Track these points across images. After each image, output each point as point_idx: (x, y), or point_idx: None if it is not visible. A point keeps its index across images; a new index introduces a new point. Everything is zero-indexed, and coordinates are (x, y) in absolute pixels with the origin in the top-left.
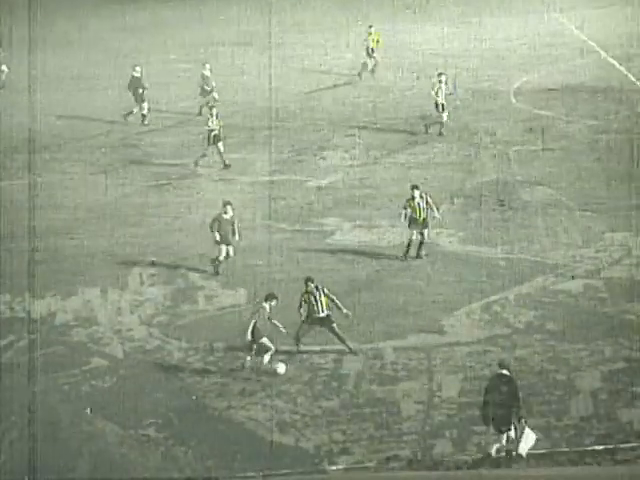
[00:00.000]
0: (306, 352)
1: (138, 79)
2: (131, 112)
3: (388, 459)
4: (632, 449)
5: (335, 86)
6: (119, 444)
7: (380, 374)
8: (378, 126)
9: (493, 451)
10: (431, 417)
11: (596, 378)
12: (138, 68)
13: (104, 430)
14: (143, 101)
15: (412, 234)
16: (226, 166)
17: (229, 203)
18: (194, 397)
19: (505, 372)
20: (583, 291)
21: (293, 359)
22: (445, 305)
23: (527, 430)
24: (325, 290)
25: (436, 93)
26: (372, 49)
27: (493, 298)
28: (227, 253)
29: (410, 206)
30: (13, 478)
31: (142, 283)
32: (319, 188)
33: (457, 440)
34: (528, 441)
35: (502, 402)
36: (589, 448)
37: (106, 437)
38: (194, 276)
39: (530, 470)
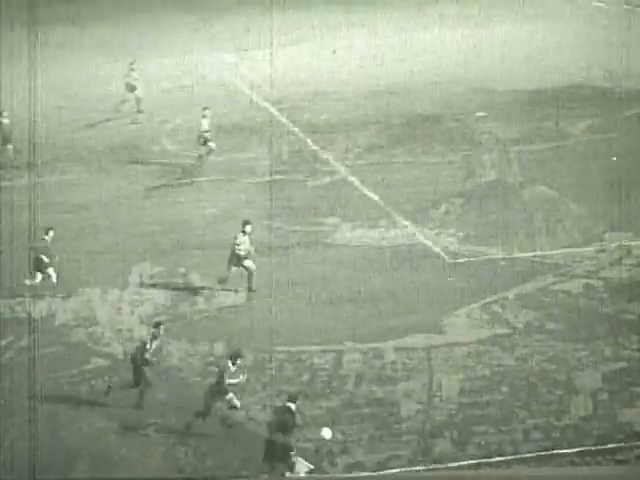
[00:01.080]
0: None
1: None
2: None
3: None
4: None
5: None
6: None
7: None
8: None
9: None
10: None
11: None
12: None
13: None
14: None
15: (231, 269)
16: None
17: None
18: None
19: (291, 406)
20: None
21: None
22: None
23: (298, 462)
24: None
25: (200, 127)
26: (133, 86)
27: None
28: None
29: (240, 241)
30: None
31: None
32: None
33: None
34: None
35: (284, 431)
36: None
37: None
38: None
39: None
